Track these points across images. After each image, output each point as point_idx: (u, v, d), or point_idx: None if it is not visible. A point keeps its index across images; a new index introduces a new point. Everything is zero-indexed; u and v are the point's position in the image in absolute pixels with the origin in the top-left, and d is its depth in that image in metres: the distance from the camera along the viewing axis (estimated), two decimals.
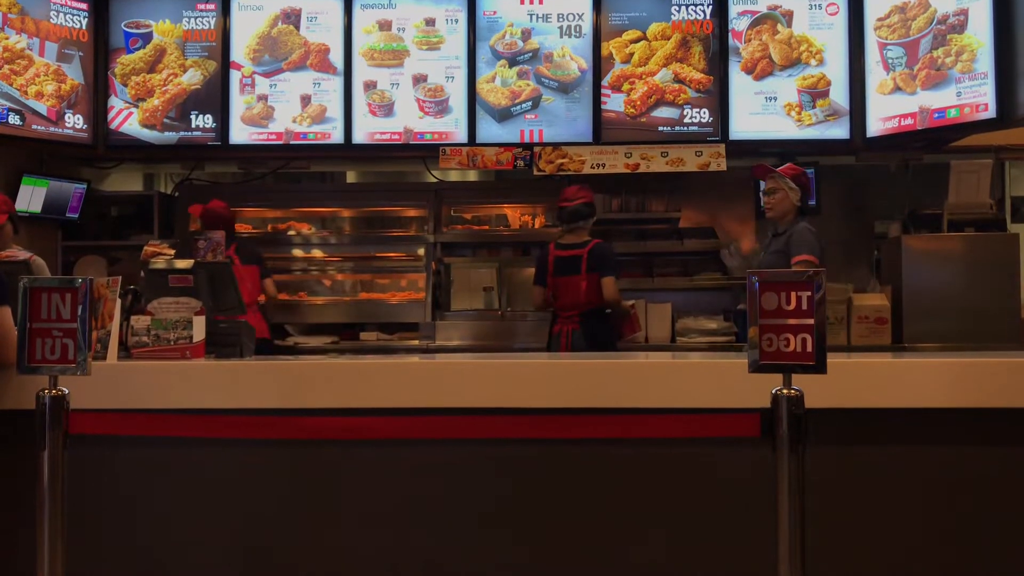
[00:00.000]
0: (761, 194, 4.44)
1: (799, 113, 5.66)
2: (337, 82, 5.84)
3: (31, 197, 5.78)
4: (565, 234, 5.00)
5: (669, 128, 5.70)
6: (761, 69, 5.68)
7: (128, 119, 5.89)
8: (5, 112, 5.51)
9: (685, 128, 5.69)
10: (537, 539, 2.75)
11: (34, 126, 5.62)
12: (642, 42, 5.74)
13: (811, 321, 2.01)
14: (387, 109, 5.81)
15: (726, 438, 2.15)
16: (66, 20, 5.77)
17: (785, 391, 2.03)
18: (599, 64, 5.74)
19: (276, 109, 5.84)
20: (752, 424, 2.05)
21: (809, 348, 2.01)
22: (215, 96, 5.86)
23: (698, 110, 5.69)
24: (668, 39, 5.72)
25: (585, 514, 2.65)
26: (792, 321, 2.02)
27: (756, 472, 2.13)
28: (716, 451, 2.63)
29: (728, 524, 2.67)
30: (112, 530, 2.77)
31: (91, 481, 2.59)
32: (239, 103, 5.87)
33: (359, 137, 5.81)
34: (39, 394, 2.16)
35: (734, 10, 5.73)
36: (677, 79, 5.71)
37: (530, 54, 5.77)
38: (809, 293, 2.02)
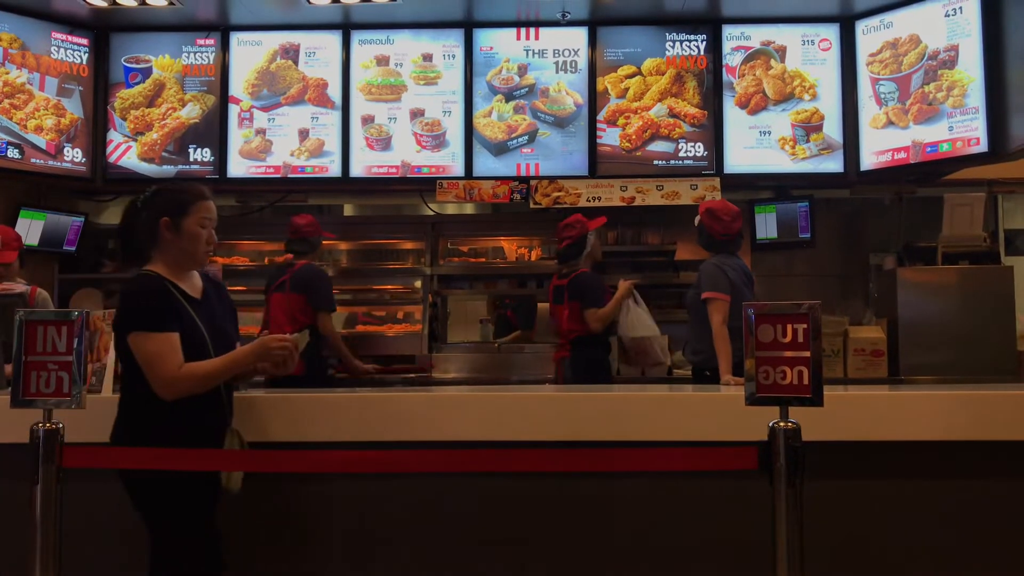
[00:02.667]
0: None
1: (793, 147, 5.71)
2: (335, 116, 5.88)
3: (29, 230, 5.79)
4: (560, 266, 5.01)
5: (664, 162, 5.74)
6: (755, 104, 5.74)
7: (127, 153, 5.92)
8: (4, 146, 5.54)
9: (680, 162, 5.74)
10: (532, 572, 2.72)
11: (33, 159, 5.65)
12: (637, 77, 5.80)
13: (807, 354, 2.01)
14: (384, 143, 5.85)
15: (723, 471, 2.13)
16: (66, 55, 5.82)
17: (782, 424, 2.03)
18: (595, 99, 5.80)
19: (274, 143, 5.88)
20: (749, 457, 2.05)
21: (806, 381, 2.01)
22: (213, 130, 5.90)
23: (693, 144, 5.74)
24: (663, 74, 5.79)
25: (581, 547, 2.63)
26: (788, 354, 2.03)
27: (754, 505, 2.12)
28: (713, 484, 2.62)
29: (726, 557, 2.65)
30: (106, 565, 2.74)
31: (85, 516, 2.56)
32: (237, 137, 5.91)
33: (357, 170, 5.85)
34: (33, 427, 2.15)
35: (728, 46, 5.80)
36: (672, 113, 5.76)
37: (526, 89, 5.83)
38: (805, 326, 2.02)
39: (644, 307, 4.78)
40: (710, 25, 5.80)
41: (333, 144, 5.86)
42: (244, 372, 2.52)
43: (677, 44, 5.82)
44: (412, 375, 5.74)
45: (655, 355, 4.88)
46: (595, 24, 5.83)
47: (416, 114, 5.85)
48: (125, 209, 2.56)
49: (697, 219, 4.22)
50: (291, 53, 5.93)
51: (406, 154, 5.83)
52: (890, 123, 5.55)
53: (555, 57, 5.85)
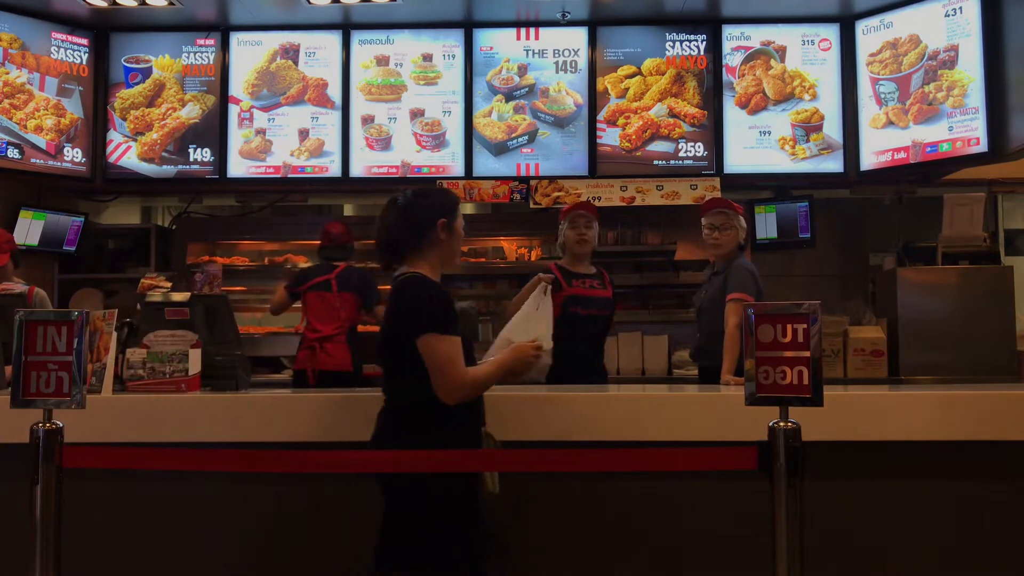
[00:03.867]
0: (706, 230, 3.99)
1: (793, 147, 5.71)
2: (335, 116, 5.88)
3: (28, 230, 5.79)
4: None
5: (664, 162, 5.74)
6: (755, 104, 5.74)
7: (126, 153, 5.92)
8: (4, 146, 5.54)
9: (680, 162, 5.74)
10: (532, 572, 2.72)
11: (33, 159, 5.65)
12: (637, 77, 5.80)
13: (807, 354, 2.01)
14: (384, 143, 5.85)
15: (723, 471, 2.13)
16: (67, 55, 5.82)
17: (782, 424, 2.03)
18: (595, 99, 5.80)
19: (274, 143, 5.88)
20: (749, 457, 2.05)
21: (806, 381, 2.01)
22: (213, 130, 5.90)
23: (693, 144, 5.74)
24: (663, 74, 5.79)
25: (581, 547, 2.63)
26: (788, 354, 2.02)
27: (754, 505, 2.12)
28: (713, 484, 2.61)
29: (726, 557, 2.65)
30: (106, 565, 2.74)
31: (85, 516, 2.56)
32: (237, 137, 5.91)
33: (356, 170, 5.85)
34: (33, 427, 2.15)
35: (728, 46, 5.80)
36: (672, 114, 5.76)
37: (526, 89, 5.83)
38: (805, 326, 2.02)
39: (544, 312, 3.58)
40: (710, 25, 5.80)
41: (333, 144, 5.86)
42: (504, 379, 2.52)
43: (677, 44, 5.82)
44: None
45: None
46: (595, 24, 5.83)
47: (416, 114, 5.85)
48: (386, 209, 2.53)
49: (721, 219, 4.02)
50: (291, 53, 5.93)
51: (406, 154, 5.83)
52: (890, 123, 5.55)
53: (555, 57, 5.85)
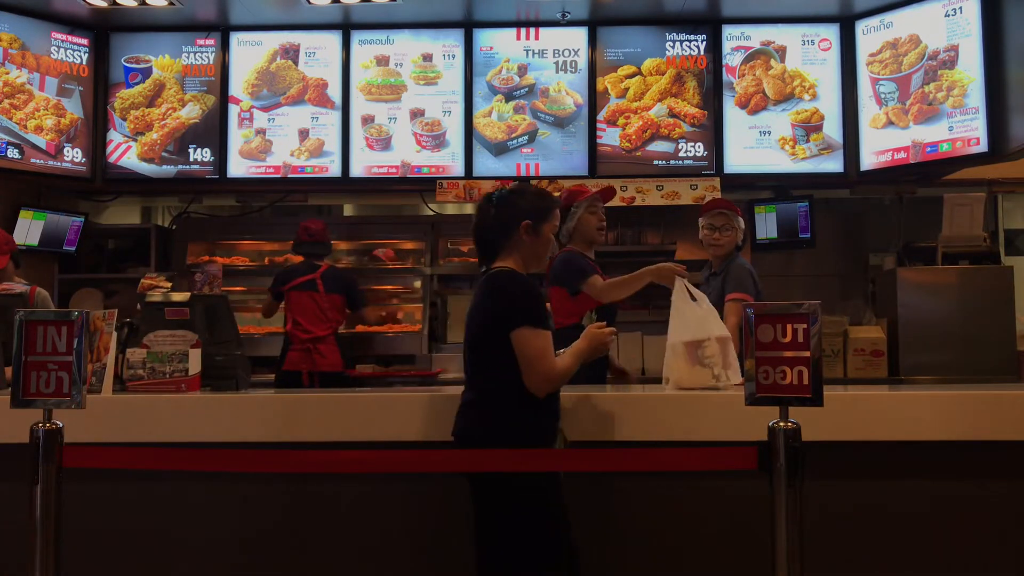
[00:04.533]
0: (705, 231, 3.97)
1: (793, 147, 5.71)
2: (335, 116, 5.88)
3: (28, 230, 5.79)
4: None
5: (664, 162, 5.74)
6: (755, 104, 5.74)
7: (127, 153, 5.92)
8: (4, 146, 5.54)
9: (680, 162, 5.74)
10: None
11: (33, 160, 5.65)
12: (637, 77, 5.80)
13: (807, 354, 2.01)
14: (384, 143, 5.85)
15: (723, 471, 2.13)
16: (67, 55, 5.82)
17: (782, 424, 2.03)
18: (594, 99, 5.80)
19: (274, 143, 5.88)
20: (749, 457, 2.04)
21: (806, 381, 2.00)
22: (213, 130, 5.90)
23: (693, 144, 5.74)
24: (663, 74, 5.79)
25: (580, 546, 2.62)
26: (788, 354, 2.02)
27: (753, 505, 2.12)
28: (713, 484, 2.61)
29: (726, 557, 2.65)
30: (106, 565, 2.74)
31: (85, 516, 2.56)
32: (237, 137, 5.91)
33: (356, 171, 5.84)
34: (33, 427, 2.15)
35: (728, 46, 5.80)
36: (672, 114, 5.76)
37: (526, 89, 5.83)
38: (805, 326, 2.02)
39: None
40: (710, 25, 5.80)
41: (333, 144, 5.86)
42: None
43: (677, 44, 5.82)
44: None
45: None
46: (595, 24, 5.83)
47: (416, 114, 5.85)
48: (482, 203, 2.57)
49: (721, 220, 4.01)
50: (291, 53, 5.93)
51: (406, 154, 5.83)
52: (890, 123, 5.55)
53: (555, 57, 5.85)
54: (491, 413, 2.43)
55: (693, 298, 3.00)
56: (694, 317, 2.94)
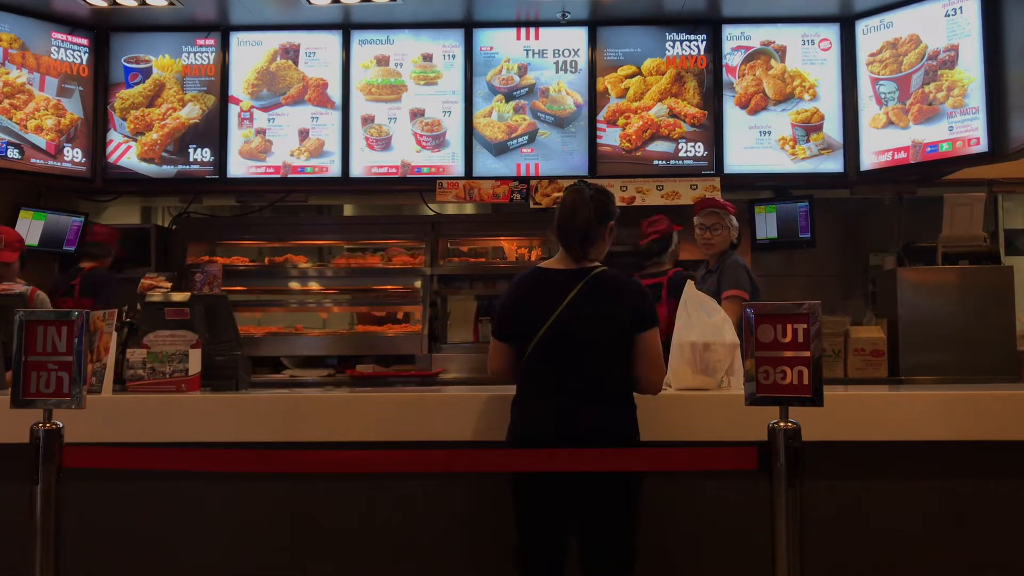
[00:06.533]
0: (698, 230, 4.11)
1: (793, 147, 5.71)
2: (335, 116, 5.88)
3: (28, 230, 5.78)
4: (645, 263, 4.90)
5: (664, 162, 5.74)
6: (755, 104, 5.74)
7: (127, 153, 5.92)
8: (4, 146, 5.53)
9: (680, 162, 5.74)
10: None
11: (33, 160, 5.65)
12: (637, 77, 5.80)
13: (807, 354, 2.01)
14: (384, 143, 5.85)
15: (723, 471, 2.13)
16: (67, 56, 5.82)
17: (782, 424, 2.03)
18: (595, 99, 5.80)
19: (274, 143, 5.88)
20: (749, 457, 2.05)
21: (806, 381, 2.01)
22: (213, 130, 5.90)
23: (693, 144, 5.74)
24: (663, 74, 5.79)
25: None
26: (788, 354, 2.03)
27: (753, 505, 2.12)
28: (713, 484, 2.62)
29: (726, 557, 2.65)
30: (107, 565, 2.75)
31: (85, 516, 2.56)
32: (237, 137, 5.91)
33: (356, 171, 5.84)
34: (33, 427, 2.15)
35: (728, 46, 5.80)
36: (672, 113, 5.76)
37: (526, 89, 5.83)
38: (805, 326, 2.02)
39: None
40: (710, 25, 5.80)
41: (333, 144, 5.86)
42: None
43: (677, 44, 5.81)
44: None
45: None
46: (595, 24, 5.83)
47: (416, 114, 5.85)
48: (577, 197, 2.56)
49: (711, 220, 4.07)
50: (291, 53, 5.93)
51: (406, 154, 5.83)
52: (890, 123, 5.55)
53: (555, 57, 5.85)
54: (624, 412, 2.49)
55: (705, 307, 2.98)
56: (704, 321, 2.93)
